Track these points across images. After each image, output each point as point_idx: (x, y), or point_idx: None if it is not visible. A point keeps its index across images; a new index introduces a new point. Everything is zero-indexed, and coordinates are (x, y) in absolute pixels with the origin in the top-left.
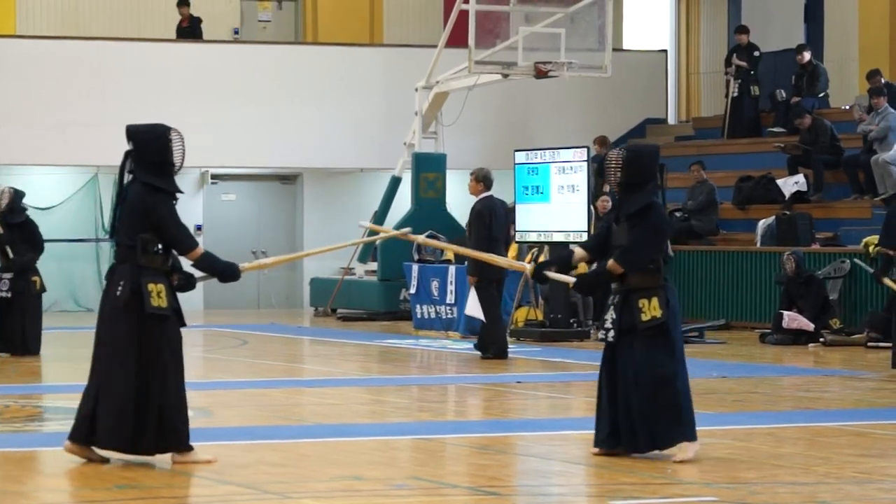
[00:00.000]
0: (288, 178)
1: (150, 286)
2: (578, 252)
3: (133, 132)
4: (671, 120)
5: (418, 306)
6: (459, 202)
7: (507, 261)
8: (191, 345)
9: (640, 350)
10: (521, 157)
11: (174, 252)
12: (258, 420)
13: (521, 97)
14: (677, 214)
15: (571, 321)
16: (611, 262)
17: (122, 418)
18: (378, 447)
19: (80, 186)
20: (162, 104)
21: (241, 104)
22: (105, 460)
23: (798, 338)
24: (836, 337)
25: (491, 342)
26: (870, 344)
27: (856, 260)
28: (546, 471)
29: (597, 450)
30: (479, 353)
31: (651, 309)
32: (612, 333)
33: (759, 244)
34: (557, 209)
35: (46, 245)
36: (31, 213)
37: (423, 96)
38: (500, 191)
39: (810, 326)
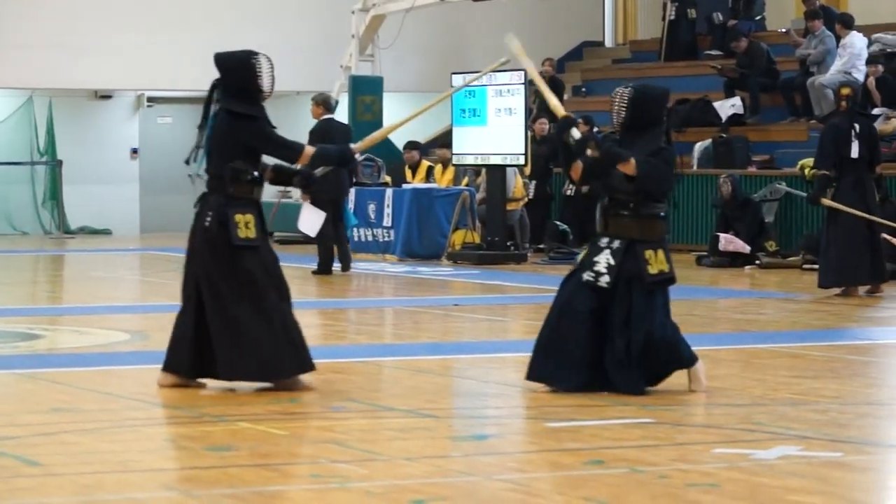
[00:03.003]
0: None
1: (238, 217)
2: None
3: (218, 60)
4: (608, 43)
5: (355, 229)
6: None
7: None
8: (127, 268)
9: (638, 301)
10: (458, 80)
11: (283, 160)
12: None
13: (458, 20)
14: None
15: (509, 244)
16: (632, 160)
17: (236, 349)
18: (315, 370)
19: (14, 109)
20: (96, 26)
21: (175, 26)
22: (202, 385)
23: (734, 260)
24: (772, 259)
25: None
26: (805, 266)
27: (783, 186)
28: (483, 393)
29: (544, 387)
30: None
31: (658, 262)
32: (605, 279)
33: (695, 167)
34: (494, 132)
35: None
36: None
37: (359, 19)
38: (438, 114)
39: (746, 249)
